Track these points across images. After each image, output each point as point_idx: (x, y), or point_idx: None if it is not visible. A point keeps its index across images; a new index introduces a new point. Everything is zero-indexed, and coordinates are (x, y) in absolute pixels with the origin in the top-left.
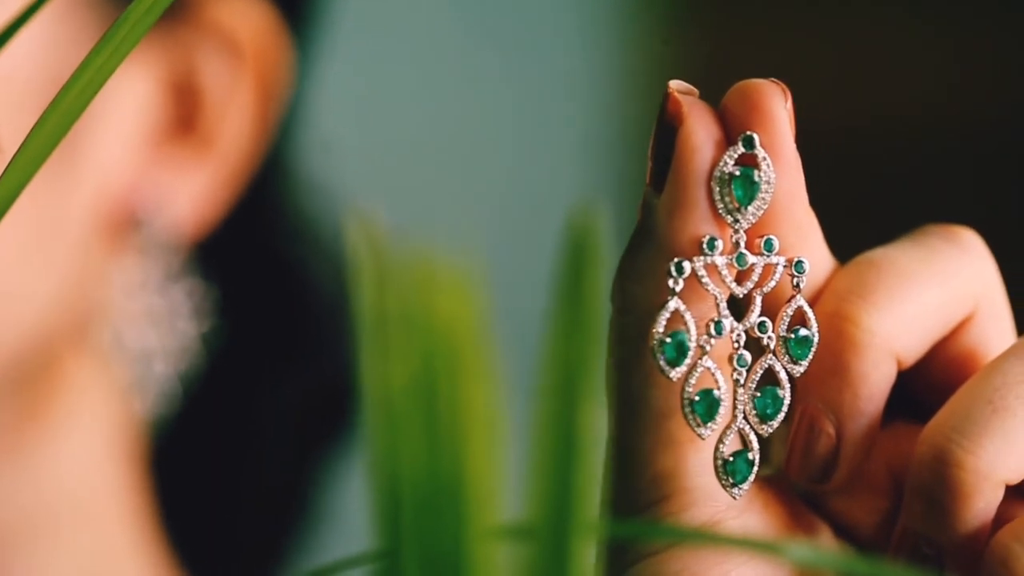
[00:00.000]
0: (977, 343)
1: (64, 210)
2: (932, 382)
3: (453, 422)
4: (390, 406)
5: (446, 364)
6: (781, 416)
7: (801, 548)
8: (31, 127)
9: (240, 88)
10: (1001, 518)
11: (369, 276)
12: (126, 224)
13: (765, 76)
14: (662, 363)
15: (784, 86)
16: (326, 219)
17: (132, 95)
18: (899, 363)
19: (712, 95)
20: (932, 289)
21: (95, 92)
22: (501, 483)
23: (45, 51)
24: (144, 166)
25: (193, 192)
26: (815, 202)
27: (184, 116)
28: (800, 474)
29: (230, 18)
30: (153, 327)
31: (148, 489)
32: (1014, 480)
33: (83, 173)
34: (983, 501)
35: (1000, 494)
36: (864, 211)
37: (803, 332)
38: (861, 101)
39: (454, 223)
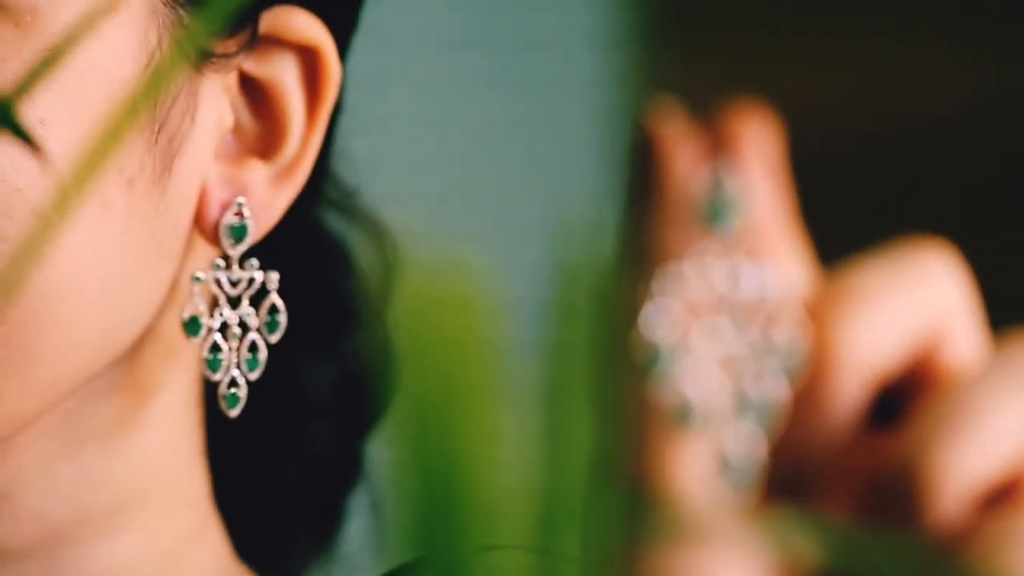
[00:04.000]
0: (947, 358)
1: (168, 220)
2: (906, 396)
3: (471, 434)
4: (419, 418)
5: (465, 380)
6: (765, 425)
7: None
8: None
9: (318, 98)
10: (978, 523)
11: (404, 292)
12: (210, 228)
13: (763, 80)
14: (647, 370)
15: (768, 108)
16: (362, 199)
17: (216, 106)
18: (873, 378)
19: (715, 98)
20: (902, 307)
21: (158, 93)
22: (507, 488)
23: (137, 49)
24: (227, 174)
25: (271, 198)
26: (816, 209)
27: (265, 128)
28: (779, 482)
29: (309, 28)
30: (229, 312)
31: (208, 468)
32: (978, 486)
33: (181, 182)
34: (947, 507)
35: (965, 500)
36: (863, 219)
37: (786, 344)
38: (859, 107)
39: (464, 234)
